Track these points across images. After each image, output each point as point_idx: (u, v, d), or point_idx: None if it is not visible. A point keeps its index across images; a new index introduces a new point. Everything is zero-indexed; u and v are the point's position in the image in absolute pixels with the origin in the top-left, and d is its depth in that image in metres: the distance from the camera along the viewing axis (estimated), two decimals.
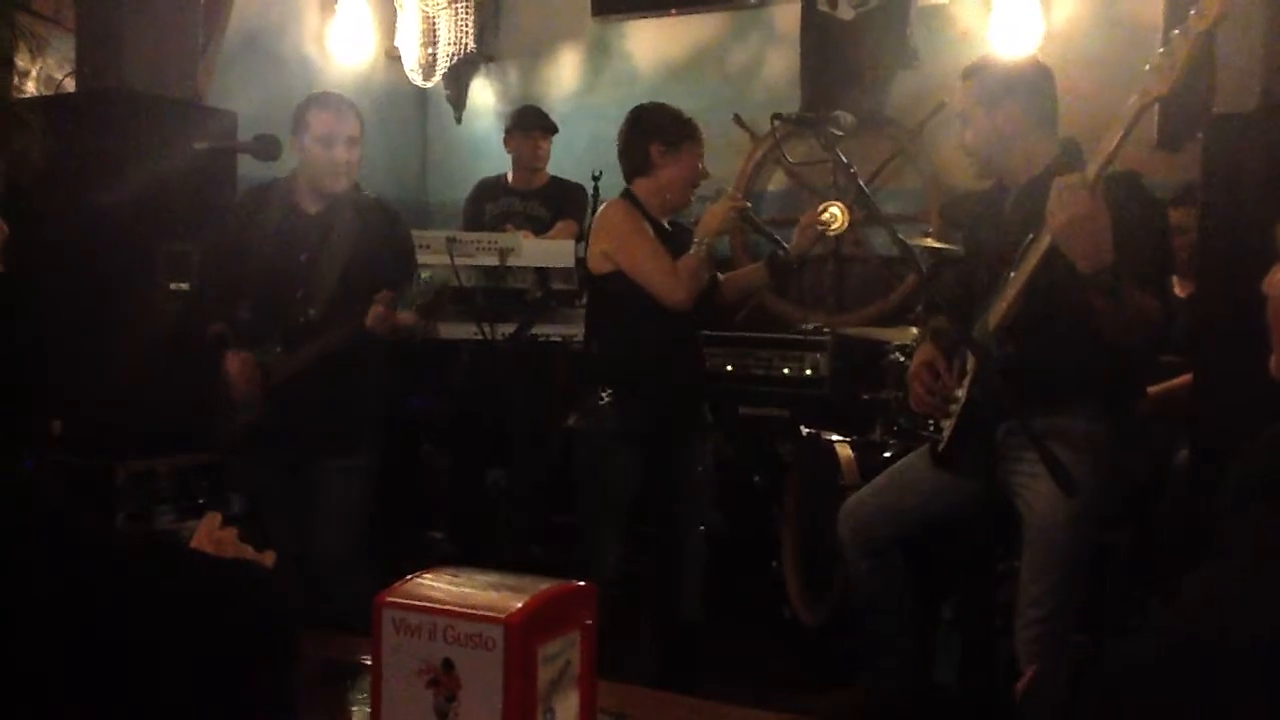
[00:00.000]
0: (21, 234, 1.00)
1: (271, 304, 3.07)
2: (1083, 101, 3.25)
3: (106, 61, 3.54)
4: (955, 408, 2.62)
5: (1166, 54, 2.10)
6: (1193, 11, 2.07)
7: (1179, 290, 3.31)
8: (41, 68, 3.92)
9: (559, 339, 4.18)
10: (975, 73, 2.66)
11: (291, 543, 3.01)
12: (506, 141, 4.78)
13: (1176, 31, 2.10)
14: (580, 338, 3.63)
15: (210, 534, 1.23)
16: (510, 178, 4.78)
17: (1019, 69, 2.70)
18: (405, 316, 2.97)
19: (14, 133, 0.97)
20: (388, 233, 3.16)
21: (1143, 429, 2.71)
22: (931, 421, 2.80)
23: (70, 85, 3.81)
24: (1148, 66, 2.14)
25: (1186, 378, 3.10)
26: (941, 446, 2.65)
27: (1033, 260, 2.34)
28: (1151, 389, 3.26)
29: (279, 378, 3.02)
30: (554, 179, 4.75)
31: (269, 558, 1.21)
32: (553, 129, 4.73)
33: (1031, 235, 2.38)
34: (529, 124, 4.70)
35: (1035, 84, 2.61)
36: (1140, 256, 2.30)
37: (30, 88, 3.91)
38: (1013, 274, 2.42)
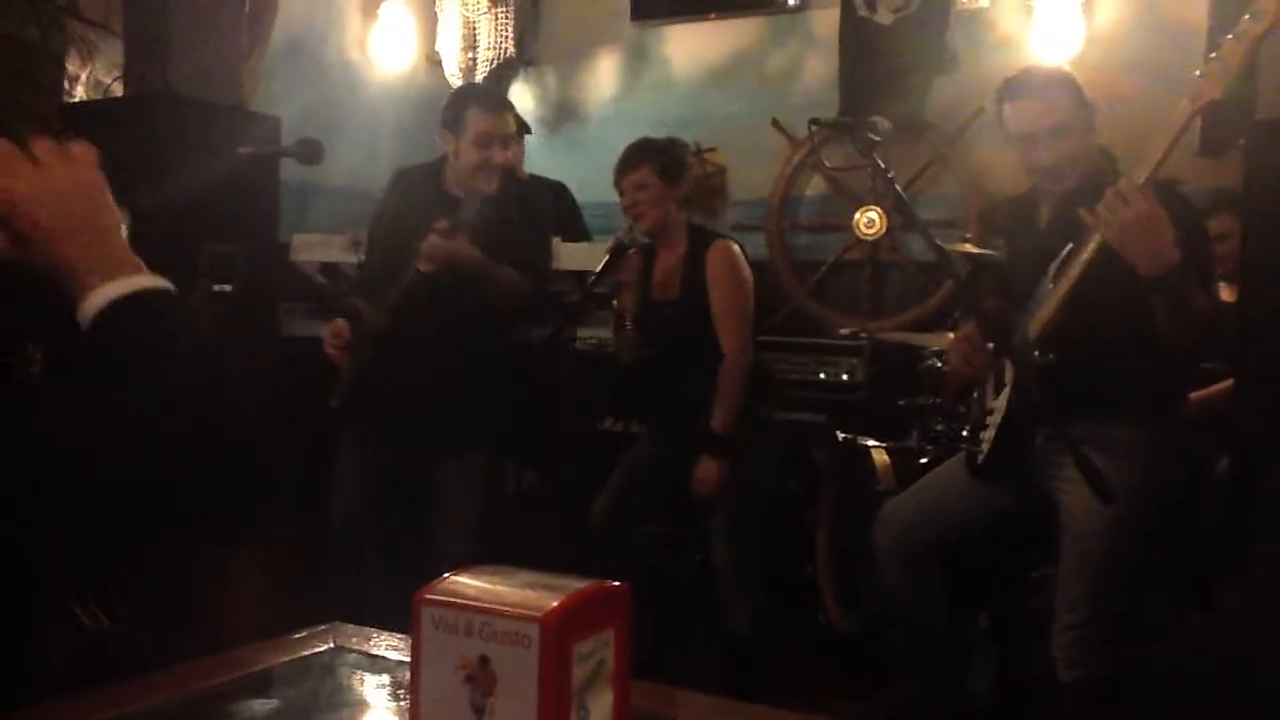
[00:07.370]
0: None
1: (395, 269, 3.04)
2: (1124, 105, 3.24)
3: (153, 66, 3.59)
4: (994, 419, 2.59)
5: (1219, 58, 2.08)
6: (1247, 15, 2.04)
7: (1225, 294, 3.28)
8: (90, 72, 4.00)
9: (595, 341, 4.19)
10: (1067, 82, 2.57)
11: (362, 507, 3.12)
12: None
13: (1230, 36, 2.08)
14: None
15: None
16: None
17: (1072, 79, 2.62)
18: (459, 246, 2.87)
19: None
20: (532, 206, 3.20)
21: (1183, 435, 2.68)
22: (968, 430, 2.78)
23: (118, 90, 3.88)
24: (1197, 73, 2.12)
25: (1228, 384, 3.07)
26: (981, 459, 2.63)
27: (1077, 268, 2.33)
28: (1193, 395, 3.23)
29: (374, 329, 2.99)
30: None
31: None
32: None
33: (1071, 244, 2.37)
34: None
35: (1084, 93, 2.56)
36: (1188, 260, 2.28)
37: (79, 92, 3.99)
38: (1052, 284, 2.41)
